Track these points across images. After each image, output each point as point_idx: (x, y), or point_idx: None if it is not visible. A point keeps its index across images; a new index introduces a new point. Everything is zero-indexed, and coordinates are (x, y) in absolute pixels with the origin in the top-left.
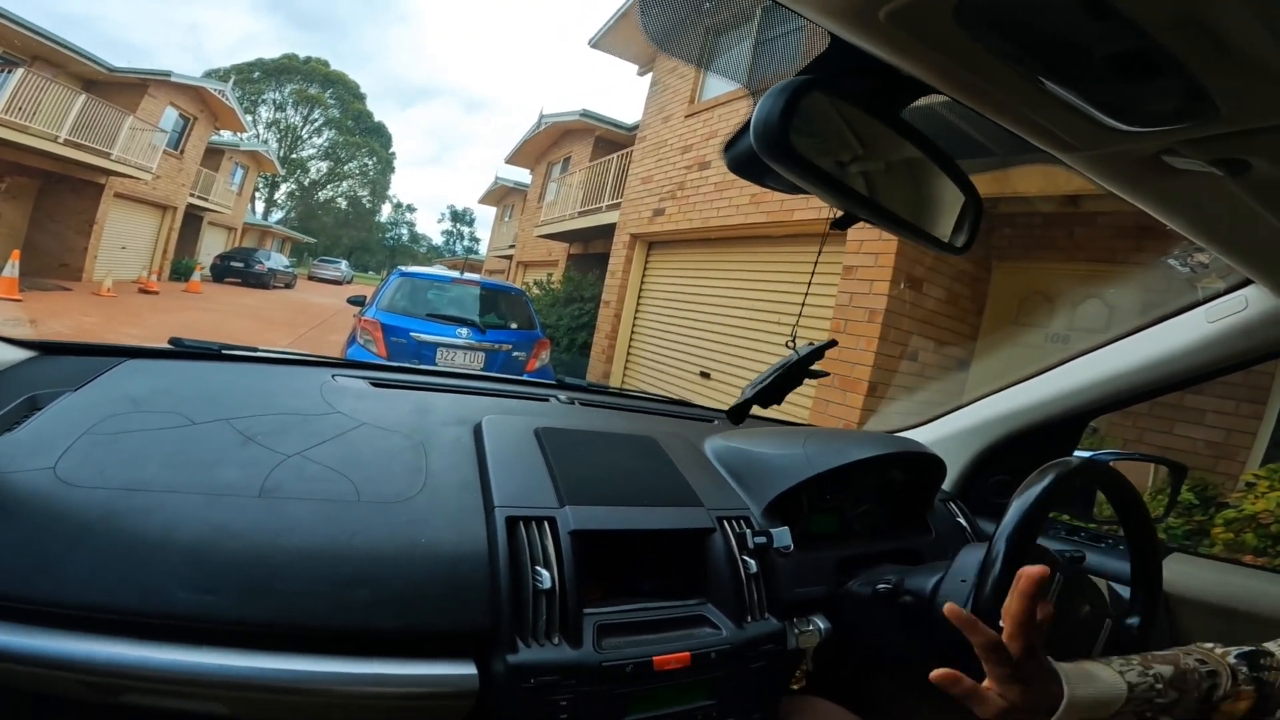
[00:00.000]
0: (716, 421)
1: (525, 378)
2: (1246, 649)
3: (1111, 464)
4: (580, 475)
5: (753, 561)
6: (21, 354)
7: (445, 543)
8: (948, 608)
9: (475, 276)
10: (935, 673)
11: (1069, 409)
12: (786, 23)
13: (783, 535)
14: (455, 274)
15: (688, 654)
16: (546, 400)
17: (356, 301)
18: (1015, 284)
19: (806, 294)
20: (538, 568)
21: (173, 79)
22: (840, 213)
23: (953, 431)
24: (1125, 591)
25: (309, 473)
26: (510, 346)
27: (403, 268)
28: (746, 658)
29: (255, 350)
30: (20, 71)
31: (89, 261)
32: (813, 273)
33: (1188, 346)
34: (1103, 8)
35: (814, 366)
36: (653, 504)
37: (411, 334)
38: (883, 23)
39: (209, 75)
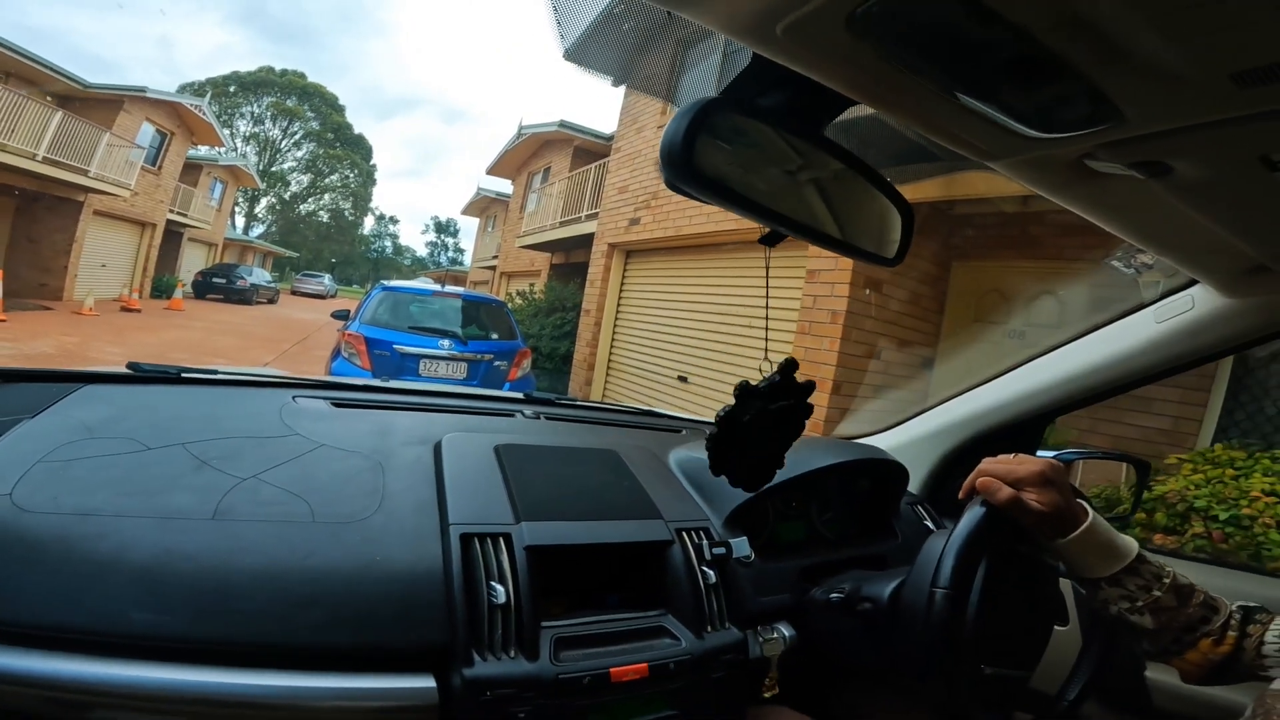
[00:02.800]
0: (684, 432)
1: (491, 392)
2: (1250, 604)
3: (1076, 462)
4: (538, 491)
5: (711, 572)
6: None
7: (400, 561)
8: (981, 479)
9: (457, 289)
10: (980, 481)
11: (1028, 410)
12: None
13: (741, 545)
14: (437, 287)
15: (645, 665)
16: (512, 415)
17: (341, 316)
18: (973, 283)
19: (768, 307)
20: (493, 583)
21: (148, 95)
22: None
23: (917, 436)
24: None
25: (264, 495)
26: (492, 356)
27: (385, 282)
28: (707, 667)
29: (214, 371)
30: None
31: (69, 280)
32: (767, 282)
33: (1137, 347)
34: (983, 11)
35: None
36: (611, 517)
37: (394, 347)
38: (780, 37)
39: (184, 89)
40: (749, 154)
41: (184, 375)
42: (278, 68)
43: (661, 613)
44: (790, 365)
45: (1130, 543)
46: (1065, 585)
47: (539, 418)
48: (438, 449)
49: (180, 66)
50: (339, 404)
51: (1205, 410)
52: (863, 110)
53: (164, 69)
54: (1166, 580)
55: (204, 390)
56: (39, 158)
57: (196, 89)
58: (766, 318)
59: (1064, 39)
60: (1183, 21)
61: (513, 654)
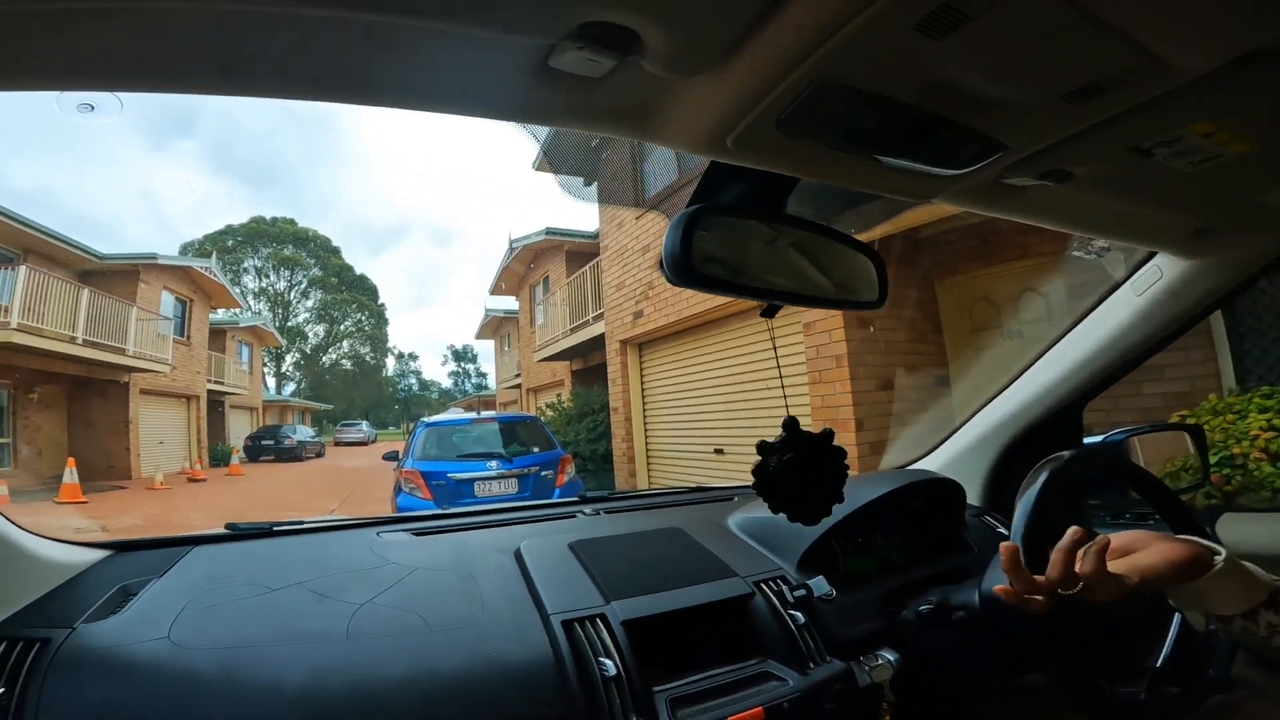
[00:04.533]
0: (736, 499)
1: (551, 499)
2: None
3: (1131, 440)
4: (619, 573)
5: (799, 613)
6: (99, 554)
7: (515, 653)
8: (1003, 549)
9: (491, 414)
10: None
11: (1056, 403)
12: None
13: (820, 584)
14: (473, 415)
15: (760, 709)
16: (573, 516)
17: (391, 457)
18: (961, 296)
19: (780, 371)
20: (600, 659)
21: (160, 261)
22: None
23: (960, 451)
24: None
25: (381, 615)
26: (538, 468)
27: (425, 419)
28: (819, 701)
29: (301, 522)
30: (24, 270)
31: (133, 460)
32: (775, 349)
33: (1129, 321)
34: (870, 97)
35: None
36: (691, 583)
37: (449, 475)
38: (730, 147)
39: (186, 249)
40: (732, 244)
41: (275, 529)
42: (265, 215)
43: (761, 659)
44: (791, 422)
45: (1267, 578)
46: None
47: (598, 514)
48: (518, 555)
49: (169, 220)
50: (418, 533)
51: (1217, 364)
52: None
53: (155, 225)
54: None
55: (298, 539)
56: (79, 340)
57: (197, 248)
58: (781, 380)
59: (934, 102)
60: (1007, 65)
61: None
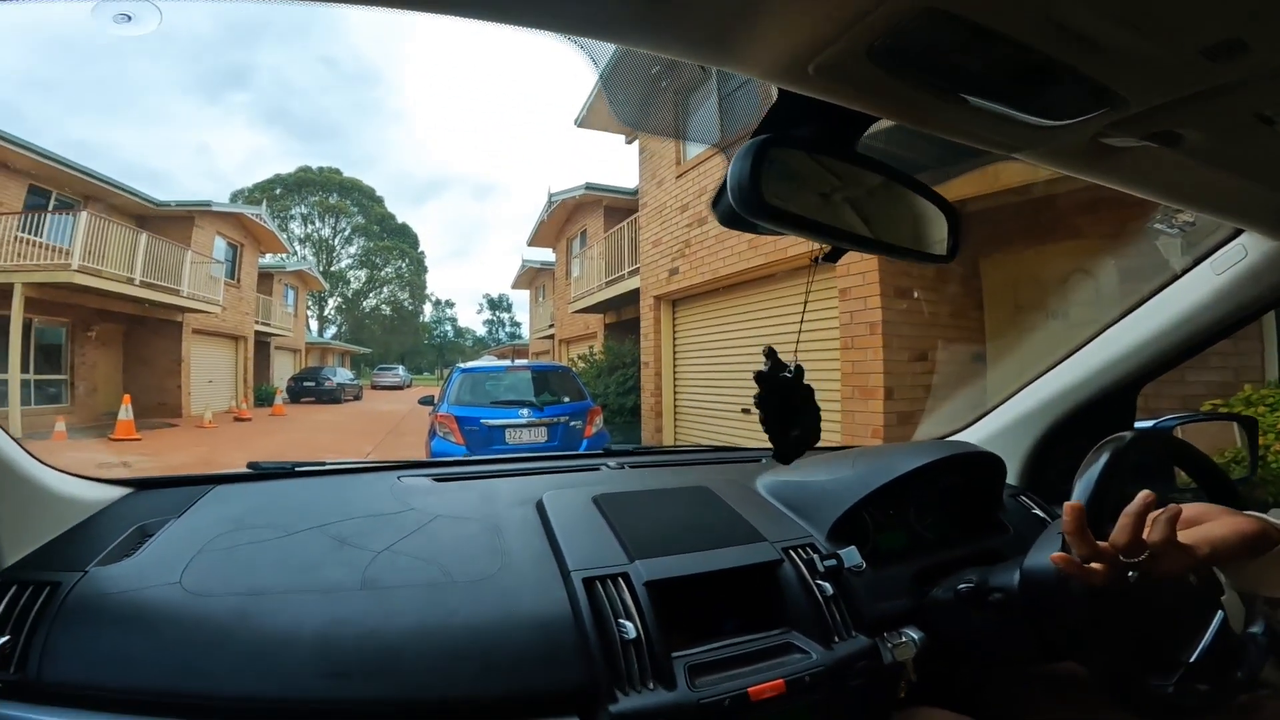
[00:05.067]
0: (764, 460)
1: (573, 452)
2: None
3: (1178, 428)
4: (643, 531)
5: (827, 584)
6: (120, 491)
7: (534, 610)
8: (1067, 512)
9: (525, 362)
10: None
11: (1112, 383)
12: (736, 81)
13: (851, 555)
14: (508, 363)
15: (781, 681)
16: (598, 469)
17: (427, 401)
18: (1006, 274)
19: (801, 327)
20: (620, 620)
21: (213, 208)
22: (828, 248)
23: (1002, 426)
24: None
25: (401, 564)
26: (567, 418)
27: (460, 365)
28: (842, 677)
29: (324, 464)
30: (84, 215)
31: (184, 398)
32: (805, 304)
33: (1203, 302)
34: (979, 29)
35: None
36: (717, 546)
37: (481, 421)
38: (812, 75)
39: (236, 197)
40: (799, 181)
41: (298, 470)
42: (313, 166)
43: (785, 630)
44: (770, 352)
45: None
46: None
47: (623, 467)
48: (540, 507)
49: (222, 172)
50: (440, 479)
51: (1262, 355)
52: (889, 123)
53: (209, 176)
54: None
55: (319, 480)
56: (137, 281)
57: (247, 196)
58: (799, 336)
59: (1050, 42)
60: (1145, 13)
61: (651, 686)
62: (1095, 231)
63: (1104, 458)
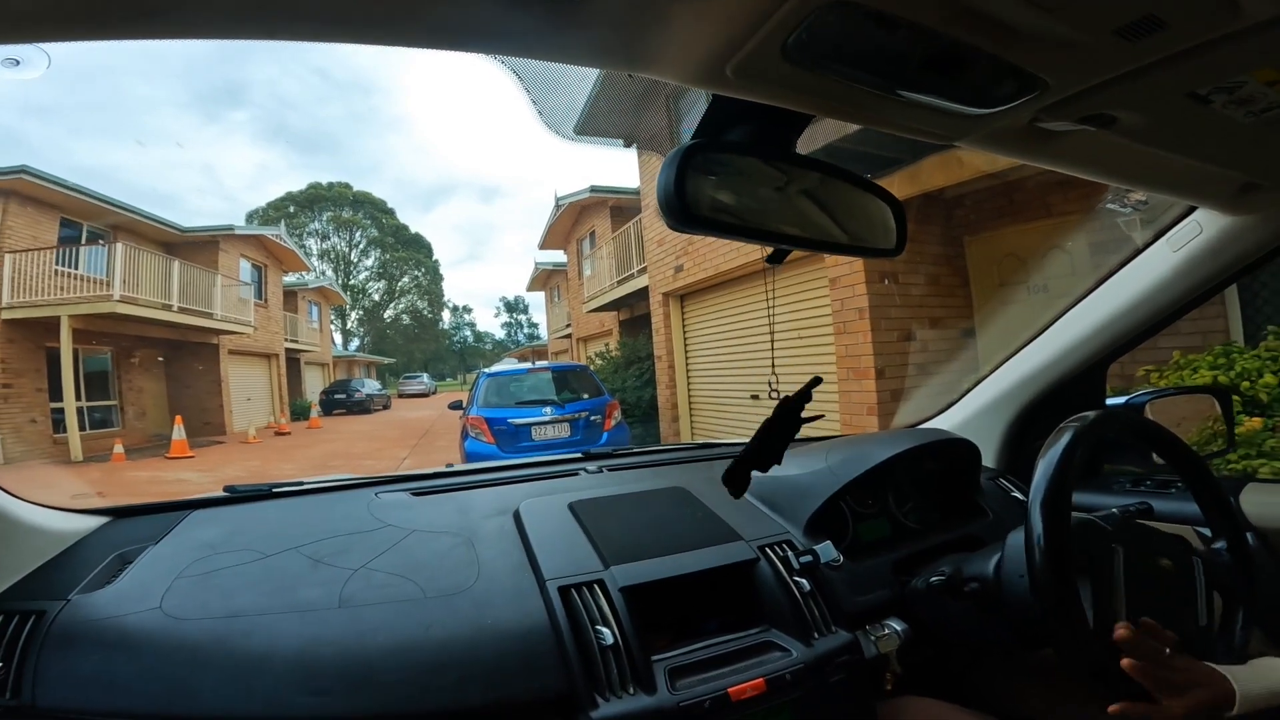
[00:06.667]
0: None
1: (552, 457)
2: None
3: (1150, 403)
4: (619, 536)
5: (804, 581)
6: (97, 521)
7: (510, 620)
8: (1118, 634)
9: (545, 363)
10: (1112, 709)
11: (1079, 362)
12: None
13: (827, 550)
14: (529, 365)
15: (762, 680)
16: (576, 474)
17: (457, 406)
18: (989, 252)
19: (772, 326)
20: (598, 627)
21: (236, 232)
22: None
23: (976, 410)
24: (1209, 532)
25: (376, 581)
26: (588, 413)
27: (485, 370)
28: (823, 672)
29: (302, 483)
30: (120, 246)
31: (226, 416)
32: (770, 303)
33: (1165, 278)
34: (886, 19)
35: (806, 411)
36: (693, 547)
37: (509, 421)
38: (730, 77)
39: (251, 217)
40: (736, 186)
41: (275, 491)
42: (321, 181)
43: (764, 628)
44: (815, 382)
45: None
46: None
47: (601, 471)
48: (517, 516)
49: (231, 191)
50: (417, 493)
51: (1226, 320)
52: (834, 123)
53: (218, 195)
54: None
55: (297, 500)
56: (174, 307)
57: (262, 215)
58: (771, 333)
59: (962, 28)
60: None
61: (631, 690)
62: (1073, 208)
63: (1065, 439)
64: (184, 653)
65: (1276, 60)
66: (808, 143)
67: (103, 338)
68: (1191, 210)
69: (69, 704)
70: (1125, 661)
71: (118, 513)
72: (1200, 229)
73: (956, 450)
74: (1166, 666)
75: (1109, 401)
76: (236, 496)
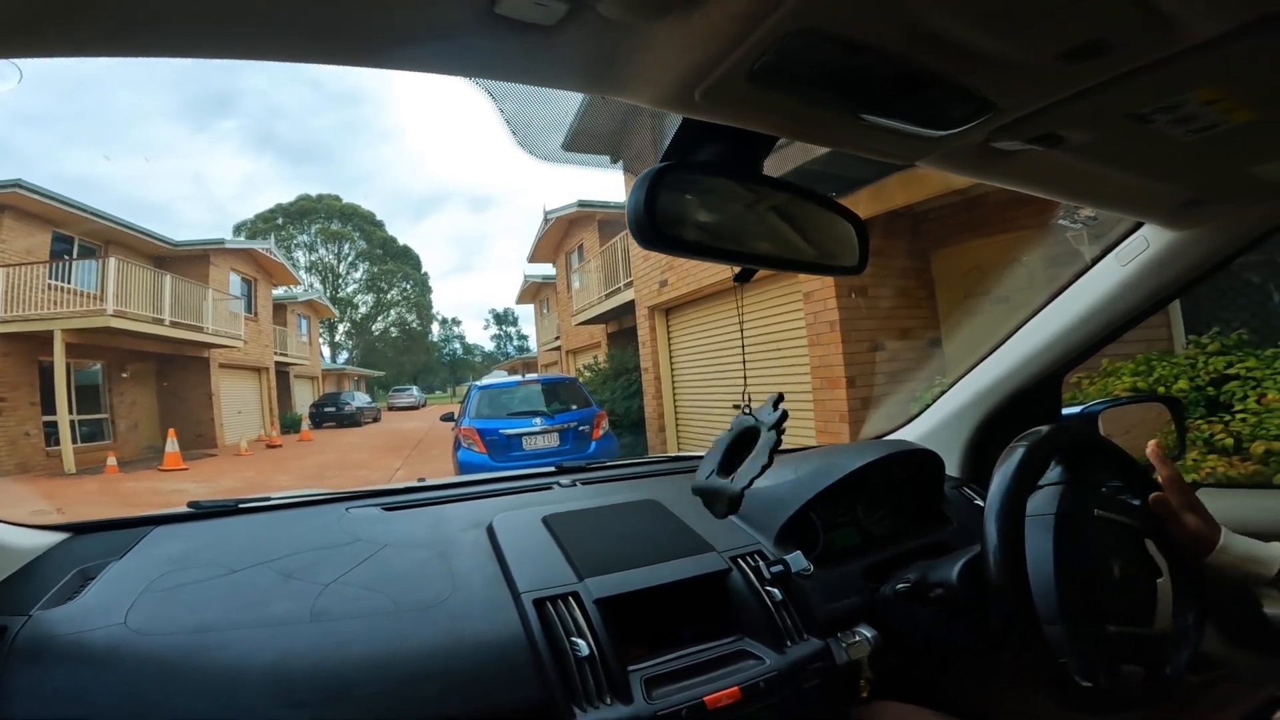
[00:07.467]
0: None
1: (525, 471)
2: None
3: (1104, 412)
4: (592, 549)
5: (776, 590)
6: (57, 536)
7: (486, 633)
8: (1150, 449)
9: (534, 376)
10: (1155, 498)
11: (1036, 373)
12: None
13: (797, 559)
14: (519, 378)
15: (736, 688)
16: (550, 488)
17: (449, 418)
18: (955, 265)
19: (743, 342)
20: (573, 639)
21: (226, 245)
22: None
23: (940, 421)
24: None
25: (350, 595)
26: (576, 424)
27: (476, 383)
28: (797, 679)
29: (269, 498)
30: (114, 261)
31: (218, 429)
32: (740, 319)
33: (1114, 291)
34: (849, 44)
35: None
36: (666, 559)
37: (500, 431)
38: (699, 101)
39: (239, 229)
40: (705, 206)
41: (241, 506)
42: (311, 193)
43: (738, 637)
44: (778, 398)
45: (1274, 548)
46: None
47: (575, 484)
48: (490, 530)
49: (220, 201)
50: (389, 508)
51: (1169, 325)
52: (804, 145)
53: (207, 205)
54: None
55: (265, 516)
56: (166, 321)
57: (250, 227)
58: (743, 350)
59: (922, 53)
60: (1005, 18)
61: (609, 701)
62: (1031, 223)
63: (1018, 454)
64: (152, 667)
65: (1214, 80)
66: (778, 166)
67: (95, 351)
68: (1139, 226)
69: (36, 718)
70: (1163, 469)
71: (78, 529)
72: (1147, 244)
73: (921, 460)
74: (1184, 491)
75: (1065, 411)
76: (201, 512)
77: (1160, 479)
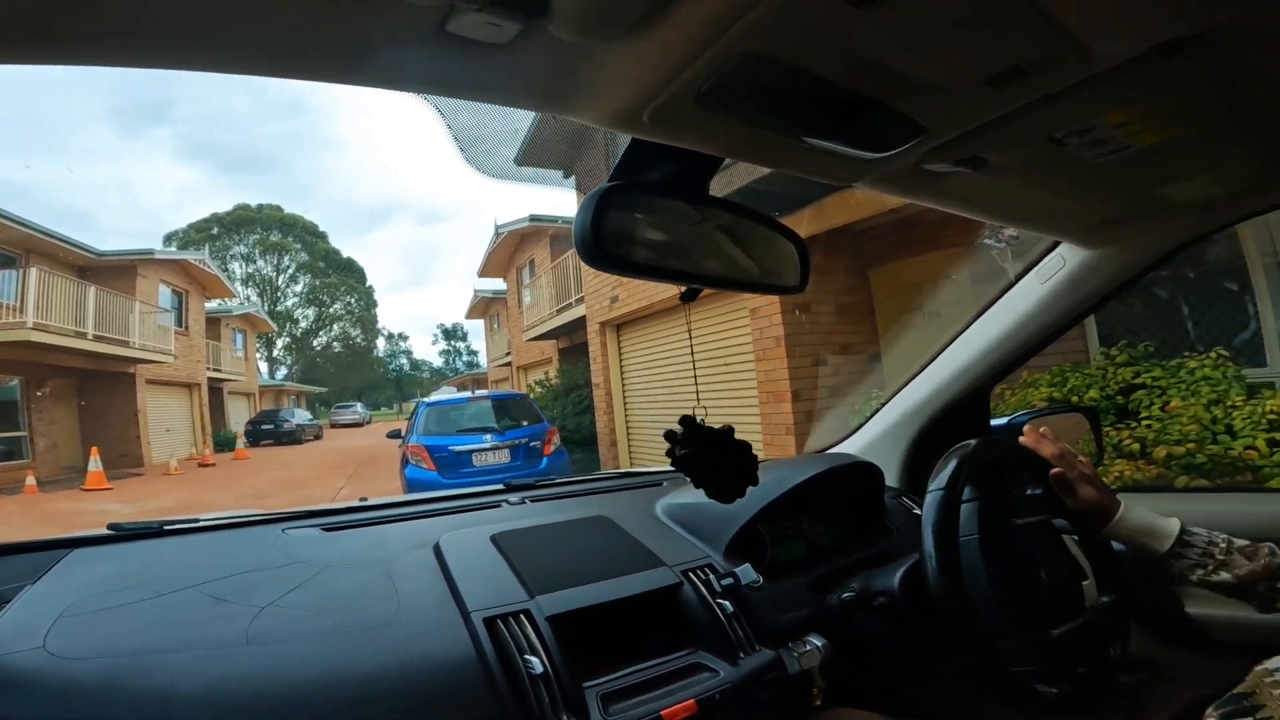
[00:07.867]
0: (665, 484)
1: (472, 489)
2: None
3: (1029, 423)
4: (543, 566)
5: (727, 602)
6: None
7: (436, 653)
8: (1026, 432)
9: (484, 392)
10: (1053, 473)
11: (966, 387)
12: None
13: (747, 572)
14: (469, 394)
15: (693, 701)
16: (498, 506)
17: (395, 435)
18: (891, 282)
19: (693, 359)
20: (526, 656)
21: (156, 256)
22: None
23: (879, 434)
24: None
25: (289, 617)
26: (527, 440)
27: (424, 399)
28: (751, 691)
29: (197, 520)
30: (35, 271)
31: (144, 447)
32: (690, 336)
33: (1035, 308)
34: (798, 70)
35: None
36: (618, 574)
37: (449, 448)
38: (647, 122)
39: (170, 239)
40: (651, 226)
41: (166, 528)
42: (250, 202)
43: (693, 650)
44: (686, 420)
45: (1171, 521)
46: (1070, 541)
47: (524, 502)
48: (437, 549)
49: (151, 210)
50: (329, 529)
51: (1085, 338)
52: (749, 165)
53: (136, 214)
54: (1222, 544)
55: (193, 538)
56: (90, 336)
57: (183, 237)
58: (694, 366)
59: (859, 79)
60: (929, 44)
61: (565, 718)
62: (961, 241)
63: (949, 466)
64: (76, 692)
65: (1122, 103)
66: (724, 185)
67: (13, 366)
68: (1056, 245)
69: None
70: (1047, 448)
71: None
72: (1064, 262)
73: (862, 473)
74: (1076, 465)
75: (994, 422)
76: (123, 534)
77: (1049, 458)
